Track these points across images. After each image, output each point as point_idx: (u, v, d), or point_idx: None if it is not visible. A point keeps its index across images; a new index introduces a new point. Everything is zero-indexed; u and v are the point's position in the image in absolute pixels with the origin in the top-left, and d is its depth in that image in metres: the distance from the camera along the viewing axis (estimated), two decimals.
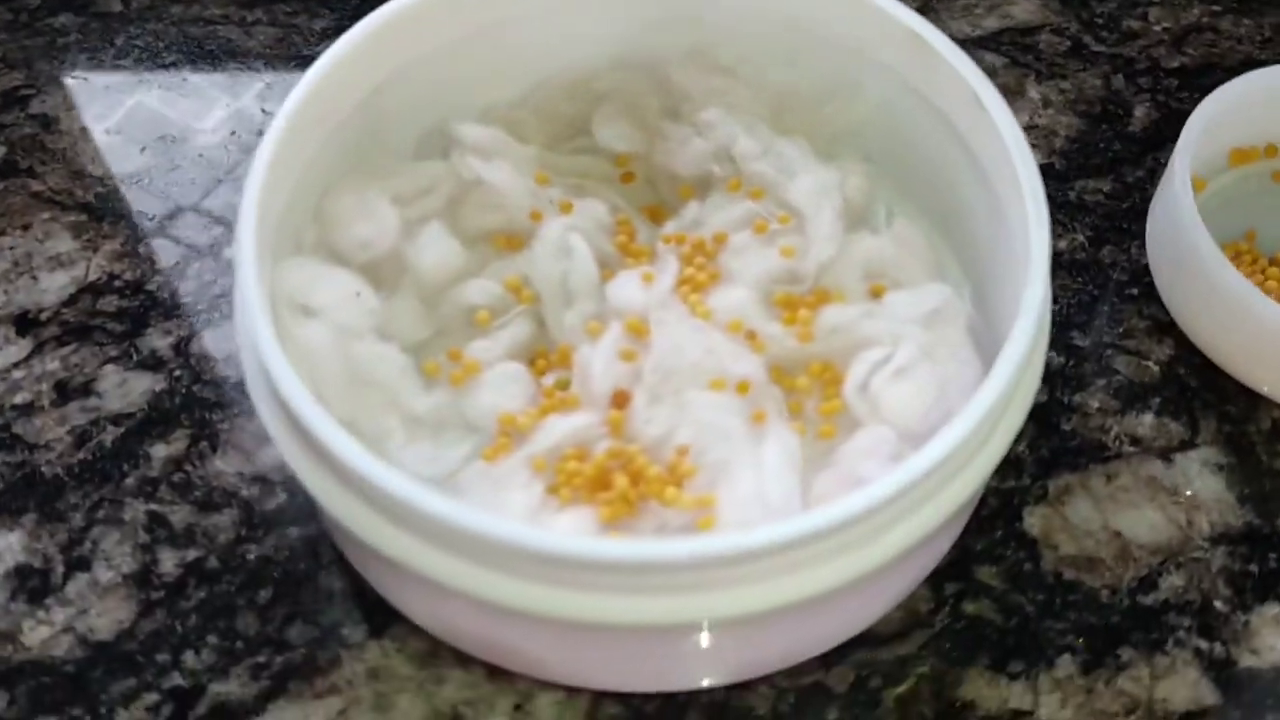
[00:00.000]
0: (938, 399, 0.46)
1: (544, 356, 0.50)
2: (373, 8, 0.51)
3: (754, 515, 0.44)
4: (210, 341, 0.57)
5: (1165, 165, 0.57)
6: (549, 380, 0.49)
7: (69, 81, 0.65)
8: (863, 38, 0.52)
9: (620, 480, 0.46)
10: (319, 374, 0.46)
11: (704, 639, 0.45)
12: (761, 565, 0.40)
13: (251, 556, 0.51)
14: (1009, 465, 0.53)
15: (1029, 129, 0.63)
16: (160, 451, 0.54)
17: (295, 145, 0.48)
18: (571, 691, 0.48)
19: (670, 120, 0.54)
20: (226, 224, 0.60)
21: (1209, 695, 0.49)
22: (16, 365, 0.56)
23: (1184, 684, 0.49)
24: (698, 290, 0.50)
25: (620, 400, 0.48)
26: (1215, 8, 0.68)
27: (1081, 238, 0.60)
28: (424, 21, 0.51)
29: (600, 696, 0.48)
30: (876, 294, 0.50)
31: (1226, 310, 0.53)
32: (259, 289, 0.43)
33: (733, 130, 0.53)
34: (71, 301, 0.58)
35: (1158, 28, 0.67)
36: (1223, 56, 0.66)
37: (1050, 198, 0.59)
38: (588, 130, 0.55)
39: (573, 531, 0.45)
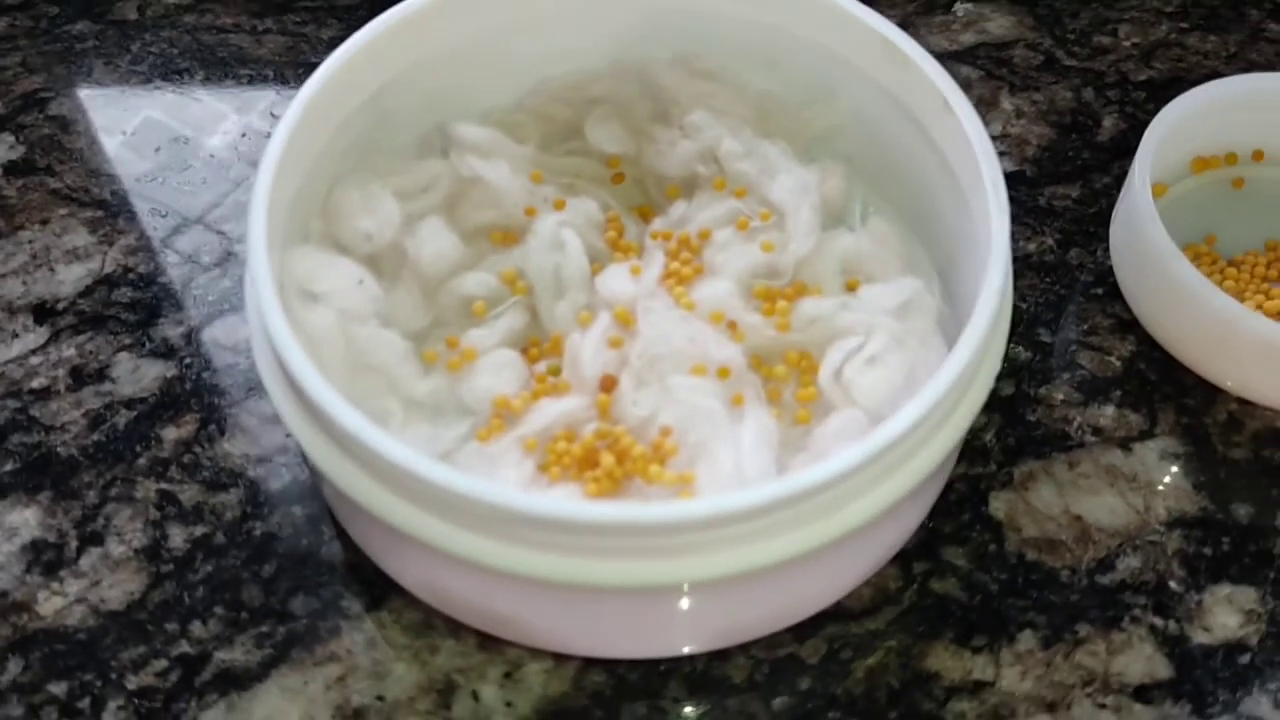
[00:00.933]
0: (906, 384, 0.49)
1: (536, 345, 0.53)
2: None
3: (731, 490, 0.46)
4: (219, 331, 0.59)
5: None
6: (541, 367, 0.52)
7: (86, 85, 0.68)
8: (841, 45, 0.54)
9: (606, 459, 0.48)
10: (324, 357, 0.48)
11: (683, 604, 0.47)
12: (736, 529, 0.42)
13: (256, 533, 0.53)
14: (977, 453, 0.56)
15: (1002, 138, 0.65)
16: (171, 434, 0.56)
17: (303, 142, 0.50)
18: (559, 659, 0.50)
19: (659, 124, 0.57)
20: (235, 221, 0.63)
21: (1162, 669, 0.51)
22: (34, 352, 0.58)
23: (1139, 658, 0.51)
24: (682, 283, 0.53)
25: (608, 384, 0.50)
26: (1183, 24, 0.71)
27: (1050, 241, 0.62)
28: (426, 27, 0.54)
29: (587, 664, 0.50)
30: (851, 287, 0.53)
31: (1184, 305, 0.55)
32: (269, 274, 0.46)
33: (718, 133, 0.55)
34: (87, 292, 0.60)
35: (1127, 43, 0.70)
36: (1189, 70, 0.68)
37: (1021, 203, 0.62)
38: (581, 133, 0.57)
39: None
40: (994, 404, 0.57)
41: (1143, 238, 0.56)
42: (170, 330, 0.59)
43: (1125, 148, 0.65)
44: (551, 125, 0.58)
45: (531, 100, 0.58)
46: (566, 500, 0.46)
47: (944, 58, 0.68)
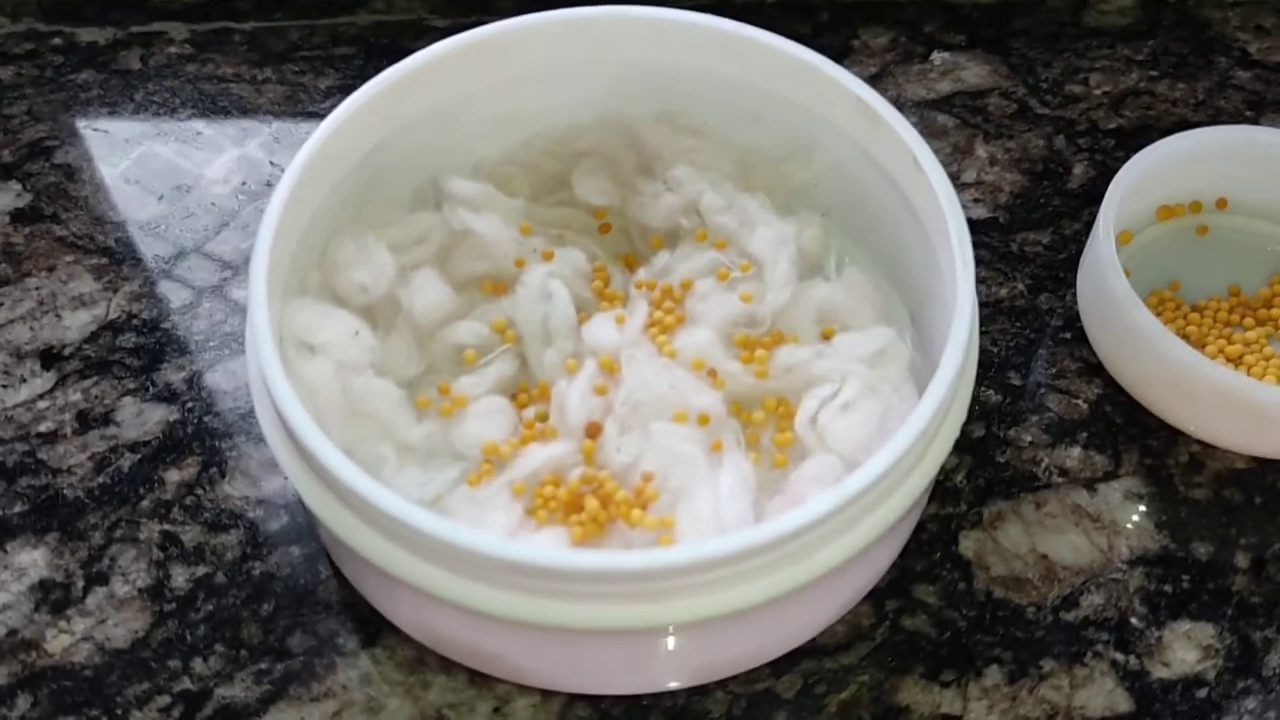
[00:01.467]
0: (879, 430, 0.51)
1: (525, 391, 0.55)
2: (376, 69, 0.55)
3: (710, 534, 0.48)
4: (221, 376, 0.61)
5: None
6: (529, 413, 0.54)
7: (90, 134, 0.70)
8: (818, 104, 0.56)
9: (591, 503, 0.50)
10: (320, 405, 0.50)
11: (663, 644, 0.49)
12: (713, 575, 0.44)
13: (256, 572, 0.55)
14: (948, 493, 0.58)
15: (976, 185, 0.67)
16: (173, 476, 0.58)
17: (302, 197, 0.52)
18: (546, 695, 0.52)
19: (644, 177, 0.59)
20: (236, 267, 0.65)
21: (1123, 703, 0.53)
22: (41, 397, 0.60)
23: (1100, 693, 0.53)
24: (665, 331, 0.55)
25: (593, 431, 0.52)
26: (1152, 73, 0.72)
27: (1021, 286, 0.64)
28: (420, 86, 0.56)
29: (572, 699, 0.52)
30: (827, 336, 0.55)
31: (1145, 352, 0.57)
32: (269, 328, 0.48)
33: (700, 186, 0.57)
34: (93, 338, 0.62)
35: (1098, 92, 0.72)
36: (1158, 118, 0.70)
37: (993, 249, 0.64)
38: (568, 185, 0.59)
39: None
40: (965, 446, 0.59)
41: (1106, 287, 0.58)
42: (173, 375, 0.61)
43: (1094, 194, 0.66)
44: (541, 177, 0.60)
45: (521, 154, 0.60)
46: (551, 549, 0.48)
47: (921, 106, 0.70)
